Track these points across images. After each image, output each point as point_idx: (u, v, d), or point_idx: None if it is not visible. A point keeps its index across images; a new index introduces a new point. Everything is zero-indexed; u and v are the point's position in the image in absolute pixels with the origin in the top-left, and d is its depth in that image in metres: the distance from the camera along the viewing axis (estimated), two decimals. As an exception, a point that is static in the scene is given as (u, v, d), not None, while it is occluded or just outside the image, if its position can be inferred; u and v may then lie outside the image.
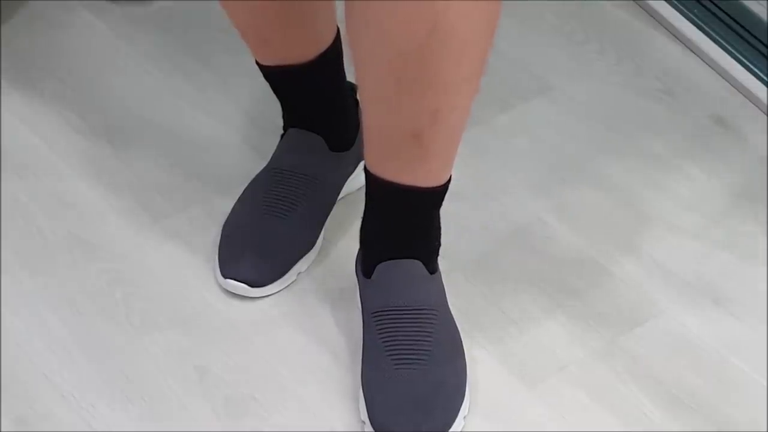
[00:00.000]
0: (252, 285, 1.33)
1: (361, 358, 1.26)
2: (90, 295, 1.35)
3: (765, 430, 1.25)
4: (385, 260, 1.24)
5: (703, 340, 1.33)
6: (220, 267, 1.35)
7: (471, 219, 1.44)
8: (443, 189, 1.22)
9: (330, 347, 1.31)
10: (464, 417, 1.23)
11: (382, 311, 1.24)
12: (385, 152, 1.18)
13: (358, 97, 1.40)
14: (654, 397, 1.27)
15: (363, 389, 1.23)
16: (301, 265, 1.36)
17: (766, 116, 1.59)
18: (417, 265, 1.24)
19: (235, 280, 1.33)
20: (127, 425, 1.24)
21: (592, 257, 1.41)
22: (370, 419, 1.21)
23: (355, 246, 1.33)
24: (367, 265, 1.26)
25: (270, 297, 1.35)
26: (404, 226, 1.24)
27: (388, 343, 1.22)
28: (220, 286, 1.35)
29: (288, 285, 1.36)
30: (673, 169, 1.51)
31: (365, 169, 1.22)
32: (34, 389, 1.26)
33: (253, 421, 1.24)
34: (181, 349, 1.30)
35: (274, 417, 1.25)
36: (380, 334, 1.23)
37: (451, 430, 1.20)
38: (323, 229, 1.39)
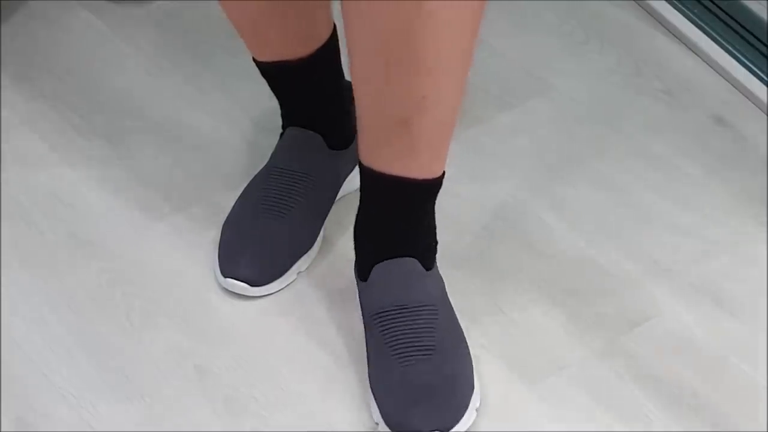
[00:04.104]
0: (252, 284, 1.33)
1: (362, 358, 1.26)
2: (90, 294, 1.35)
3: (765, 430, 1.25)
4: (380, 261, 1.24)
5: (703, 340, 1.33)
6: (220, 266, 1.35)
7: (470, 218, 1.44)
8: (436, 183, 1.22)
9: (330, 346, 1.31)
10: (476, 409, 1.22)
11: (381, 312, 1.24)
12: (377, 141, 1.19)
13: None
14: (654, 396, 1.27)
15: (373, 391, 1.23)
16: (301, 264, 1.36)
17: (766, 116, 1.59)
18: (412, 263, 1.25)
19: (235, 279, 1.33)
20: (127, 425, 1.24)
21: (591, 257, 1.41)
22: (384, 420, 1.21)
23: (355, 245, 1.33)
24: (362, 268, 1.27)
25: (270, 296, 1.35)
26: (397, 220, 1.24)
27: (392, 343, 1.22)
28: (220, 285, 1.35)
29: (288, 284, 1.36)
30: (673, 168, 1.51)
31: (359, 164, 1.23)
32: (34, 389, 1.26)
33: (253, 421, 1.24)
34: (180, 348, 1.30)
35: (274, 416, 1.25)
36: (383, 335, 1.23)
37: (463, 420, 1.20)
38: (323, 228, 1.39)
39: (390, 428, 1.20)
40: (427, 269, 1.26)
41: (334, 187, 1.40)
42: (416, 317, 1.23)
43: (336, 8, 1.25)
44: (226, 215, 1.39)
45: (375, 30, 1.10)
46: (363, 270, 1.27)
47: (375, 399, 1.22)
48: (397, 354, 1.22)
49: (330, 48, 1.33)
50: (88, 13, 1.68)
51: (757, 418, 1.26)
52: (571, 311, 1.35)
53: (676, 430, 1.25)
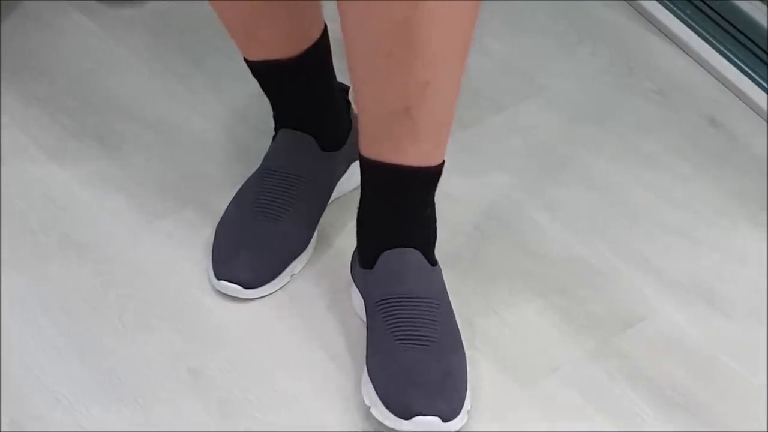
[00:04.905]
0: (245, 286, 1.34)
1: (357, 359, 1.26)
2: (83, 296, 1.35)
3: (759, 429, 1.26)
4: (386, 250, 1.25)
5: (695, 340, 1.33)
6: (213, 268, 1.35)
7: (463, 219, 1.44)
8: (437, 170, 1.23)
9: (324, 348, 1.31)
10: (467, 411, 1.22)
11: (386, 299, 1.24)
12: (378, 132, 1.20)
13: (349, 97, 1.41)
14: (647, 397, 1.27)
15: (370, 375, 1.23)
16: (295, 266, 1.36)
17: (759, 117, 1.59)
18: (417, 255, 1.25)
19: (228, 281, 1.33)
20: (120, 427, 1.24)
21: (584, 257, 1.41)
22: (382, 400, 1.21)
23: (349, 246, 1.33)
24: (367, 256, 1.27)
25: (264, 298, 1.35)
26: (400, 210, 1.25)
27: (395, 328, 1.23)
28: (213, 287, 1.35)
29: (282, 286, 1.36)
30: (665, 168, 1.52)
31: (360, 157, 1.23)
32: (28, 391, 1.26)
33: (247, 423, 1.24)
34: (174, 350, 1.30)
35: (268, 418, 1.25)
36: (386, 320, 1.23)
37: (456, 420, 1.20)
38: (317, 230, 1.39)
39: (388, 408, 1.20)
40: (432, 264, 1.26)
41: (328, 189, 1.40)
42: (419, 307, 1.24)
43: (329, 8, 1.26)
44: (220, 217, 1.39)
45: (374, 27, 1.11)
46: (367, 259, 1.27)
47: (372, 381, 1.22)
48: (398, 339, 1.22)
49: (321, 48, 1.34)
50: (81, 15, 1.67)
51: (749, 417, 1.26)
52: (564, 311, 1.35)
53: (669, 430, 1.25)
